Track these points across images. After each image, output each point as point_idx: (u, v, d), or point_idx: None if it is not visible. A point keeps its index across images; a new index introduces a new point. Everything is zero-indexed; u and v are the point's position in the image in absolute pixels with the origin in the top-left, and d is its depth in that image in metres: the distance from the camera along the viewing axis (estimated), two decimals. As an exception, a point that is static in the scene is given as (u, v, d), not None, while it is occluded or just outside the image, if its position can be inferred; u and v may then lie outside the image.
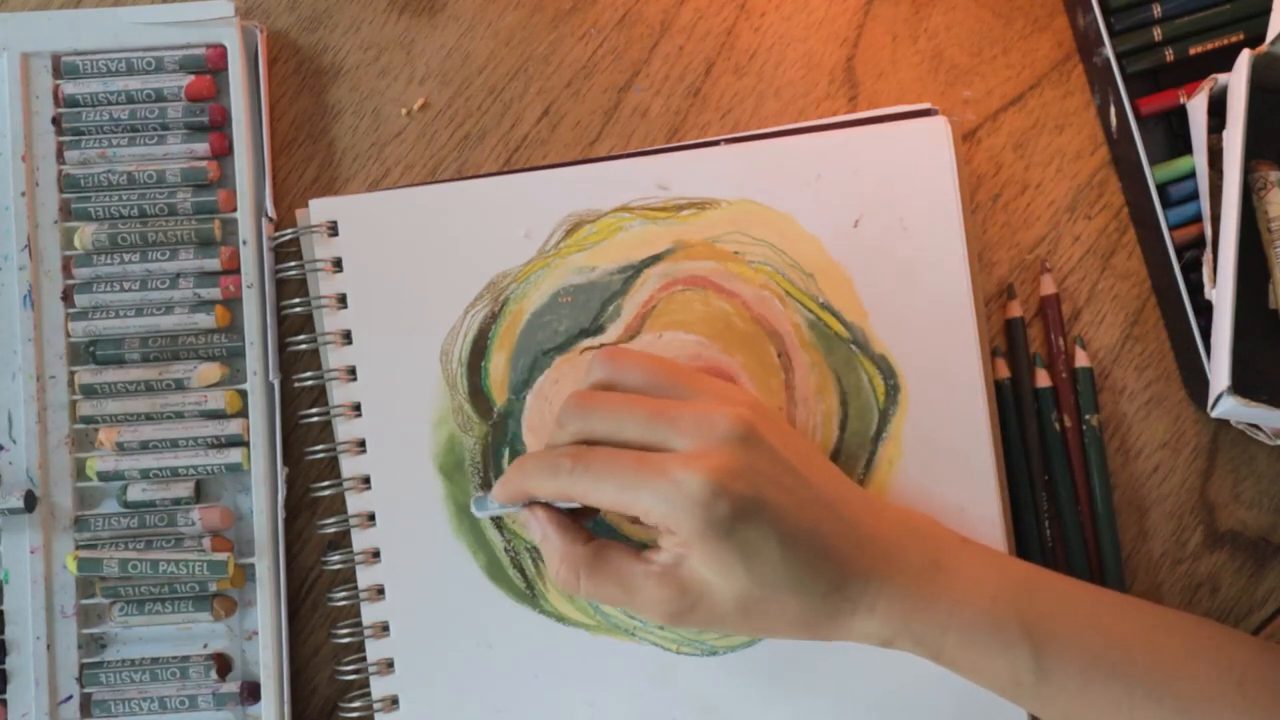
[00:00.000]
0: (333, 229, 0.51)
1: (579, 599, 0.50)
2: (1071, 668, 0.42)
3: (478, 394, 0.51)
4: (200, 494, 0.51)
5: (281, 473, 0.51)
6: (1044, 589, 0.44)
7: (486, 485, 0.50)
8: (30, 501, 0.50)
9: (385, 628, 0.50)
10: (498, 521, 0.50)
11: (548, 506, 0.45)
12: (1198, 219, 0.50)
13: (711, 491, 0.41)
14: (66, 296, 0.51)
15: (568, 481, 0.43)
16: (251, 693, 0.50)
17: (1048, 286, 0.52)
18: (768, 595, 0.42)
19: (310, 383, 0.51)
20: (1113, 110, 0.51)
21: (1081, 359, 0.51)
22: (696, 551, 0.42)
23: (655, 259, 0.51)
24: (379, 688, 0.50)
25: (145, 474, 0.50)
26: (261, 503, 0.50)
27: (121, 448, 0.50)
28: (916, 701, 0.49)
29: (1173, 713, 0.42)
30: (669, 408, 0.43)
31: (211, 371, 0.51)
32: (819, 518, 0.43)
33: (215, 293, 0.51)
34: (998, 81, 0.53)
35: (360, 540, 0.51)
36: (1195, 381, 0.50)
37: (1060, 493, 0.51)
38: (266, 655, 0.50)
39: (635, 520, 0.44)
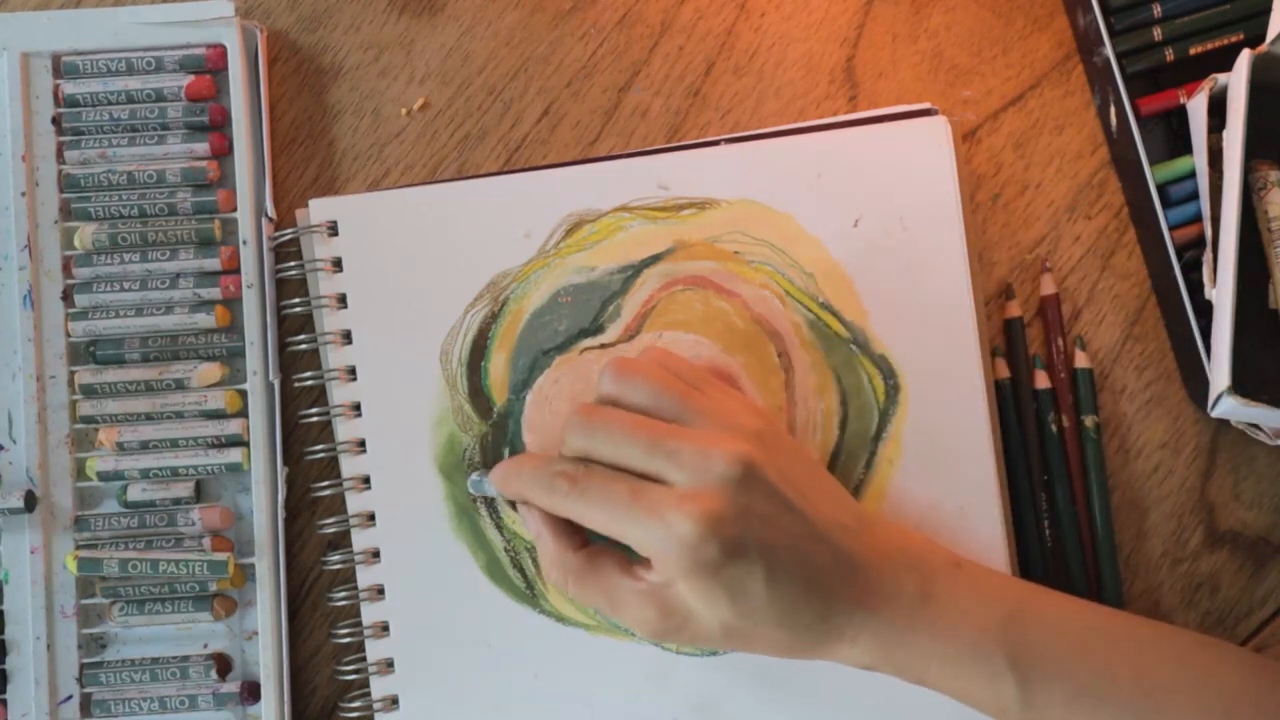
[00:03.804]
0: (333, 229, 0.51)
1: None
2: (1057, 697, 0.43)
3: (478, 394, 0.51)
4: (200, 494, 0.51)
5: (281, 473, 0.51)
6: (1034, 616, 0.44)
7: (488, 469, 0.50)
8: (30, 501, 0.50)
9: (385, 628, 0.50)
10: (497, 521, 0.50)
11: None
12: (1198, 219, 0.50)
13: (700, 536, 0.41)
14: (66, 296, 0.51)
15: (562, 502, 0.44)
16: (251, 693, 0.50)
17: (1048, 286, 0.52)
18: (751, 627, 0.43)
19: (310, 383, 0.51)
20: (1113, 110, 0.51)
21: (1081, 360, 0.51)
22: (683, 585, 0.42)
23: (655, 259, 0.51)
24: (379, 688, 0.50)
25: (145, 474, 0.50)
26: (261, 503, 0.50)
27: (121, 448, 0.50)
28: (916, 702, 0.48)
29: None
30: (669, 437, 0.43)
31: (211, 371, 0.51)
32: (811, 553, 0.43)
33: (215, 293, 0.51)
34: (998, 81, 0.53)
35: (360, 540, 0.51)
36: (1195, 381, 0.50)
37: (1058, 494, 0.51)
38: (266, 655, 0.50)
39: None
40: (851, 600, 0.43)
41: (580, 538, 0.46)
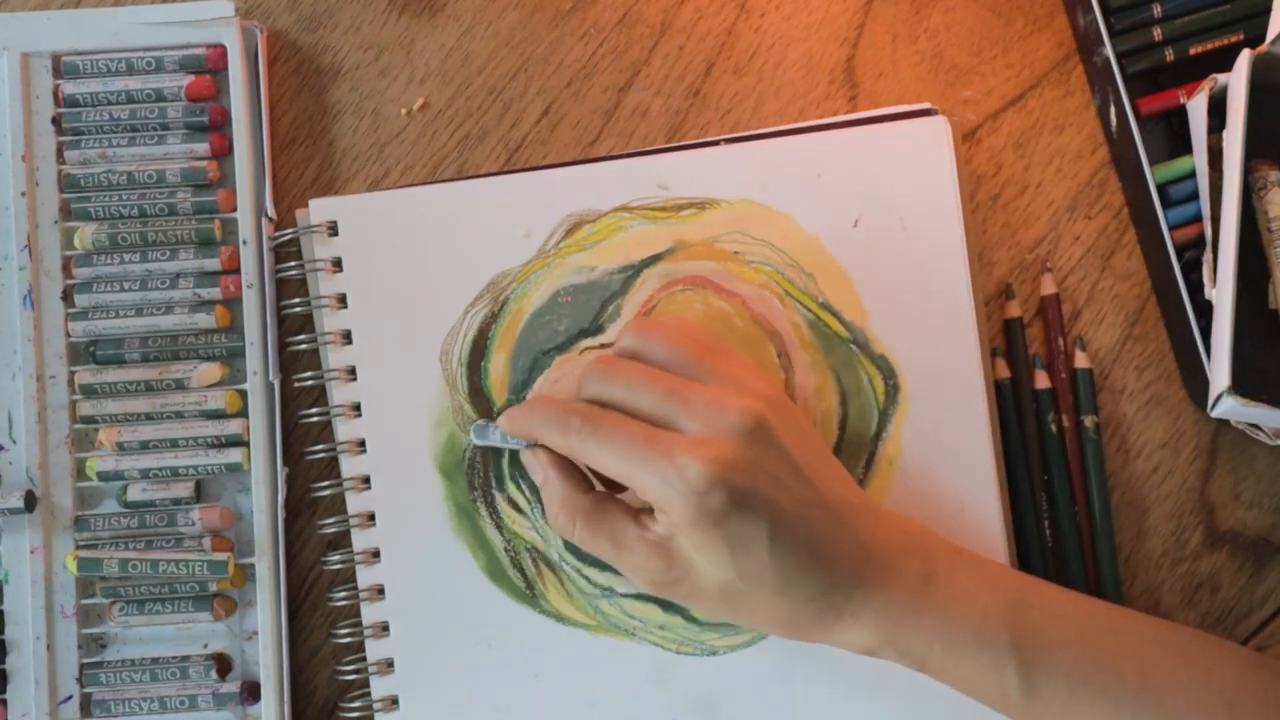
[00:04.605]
0: (333, 229, 0.51)
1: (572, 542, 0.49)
2: (1059, 684, 0.42)
3: (478, 394, 0.51)
4: (200, 494, 0.51)
5: (281, 473, 0.51)
6: (1036, 604, 0.44)
7: (486, 485, 0.50)
8: (30, 501, 0.50)
9: (385, 628, 0.50)
10: (497, 521, 0.50)
11: (551, 450, 0.46)
12: (1198, 219, 0.50)
13: (708, 481, 0.41)
14: (66, 296, 0.51)
15: (575, 440, 0.44)
16: (251, 693, 0.50)
17: (1048, 286, 0.52)
18: (751, 590, 0.43)
19: (310, 383, 0.51)
20: (1113, 110, 0.51)
21: (1081, 360, 0.51)
22: (686, 535, 0.42)
23: (655, 259, 0.51)
24: (379, 688, 0.50)
25: (145, 474, 0.50)
26: (261, 502, 0.50)
27: (121, 448, 0.50)
28: (918, 702, 0.49)
29: None
30: (685, 388, 0.43)
31: (211, 371, 0.51)
32: (816, 521, 0.43)
33: (215, 293, 0.51)
34: (998, 81, 0.53)
35: (360, 540, 0.51)
36: (1195, 381, 0.50)
37: (1058, 494, 0.51)
38: (266, 655, 0.50)
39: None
40: (854, 576, 0.43)
41: (587, 483, 0.46)
